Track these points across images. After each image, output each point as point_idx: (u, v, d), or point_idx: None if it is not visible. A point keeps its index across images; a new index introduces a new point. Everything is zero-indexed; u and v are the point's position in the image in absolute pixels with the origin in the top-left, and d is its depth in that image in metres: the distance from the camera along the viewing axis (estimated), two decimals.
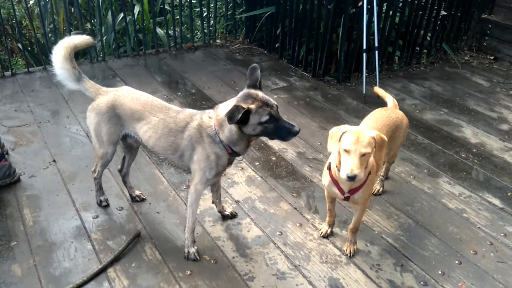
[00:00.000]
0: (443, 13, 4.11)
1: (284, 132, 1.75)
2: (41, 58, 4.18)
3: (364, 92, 3.52)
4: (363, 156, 1.66)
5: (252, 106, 1.69)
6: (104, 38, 4.38)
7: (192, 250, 2.00)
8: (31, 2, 5.14)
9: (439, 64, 4.32)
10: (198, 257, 2.00)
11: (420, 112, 3.41)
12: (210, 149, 1.83)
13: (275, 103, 1.77)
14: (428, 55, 4.33)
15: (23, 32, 5.39)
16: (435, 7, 4.02)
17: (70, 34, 4.15)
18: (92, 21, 4.65)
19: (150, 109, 1.94)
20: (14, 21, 4.83)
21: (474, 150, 2.94)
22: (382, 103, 3.43)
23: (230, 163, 1.94)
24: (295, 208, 2.33)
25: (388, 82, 3.89)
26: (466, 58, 4.48)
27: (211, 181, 1.97)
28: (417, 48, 4.19)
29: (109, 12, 4.20)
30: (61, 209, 2.25)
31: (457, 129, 3.19)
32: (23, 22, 5.55)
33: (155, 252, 2.02)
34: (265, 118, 1.70)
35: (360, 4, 3.37)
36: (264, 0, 4.20)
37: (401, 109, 3.34)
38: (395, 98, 3.53)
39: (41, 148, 2.72)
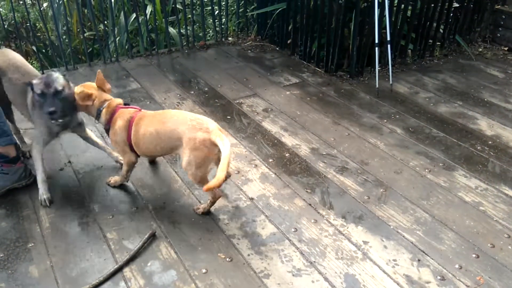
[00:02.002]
0: (456, 5, 4.05)
1: (46, 108, 2.17)
2: (56, 60, 4.25)
3: (377, 86, 3.50)
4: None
5: (35, 81, 2.20)
6: (117, 38, 4.43)
7: (44, 196, 2.31)
8: (44, 5, 5.22)
9: (452, 57, 4.26)
10: (49, 203, 2.31)
11: (434, 105, 3.38)
12: (39, 116, 2.29)
13: (58, 88, 2.20)
14: (441, 47, 4.27)
15: (37, 34, 5.47)
16: None
17: (83, 36, 4.24)
18: (105, 22, 4.70)
19: (13, 68, 2.38)
20: (28, 24, 4.91)
21: (490, 142, 2.91)
22: (396, 98, 3.45)
23: (60, 128, 2.37)
24: (310, 205, 2.34)
25: (402, 75, 3.86)
26: (480, 49, 4.41)
27: (47, 141, 2.38)
28: (430, 41, 4.13)
29: (122, 13, 4.25)
30: (77, 209, 2.27)
31: (472, 121, 3.16)
32: (37, 25, 5.63)
33: (170, 251, 2.03)
34: (38, 92, 2.18)
35: None
36: None
37: (415, 102, 3.43)
38: (409, 91, 3.59)
39: (57, 149, 2.76)
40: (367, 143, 2.89)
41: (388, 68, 3.57)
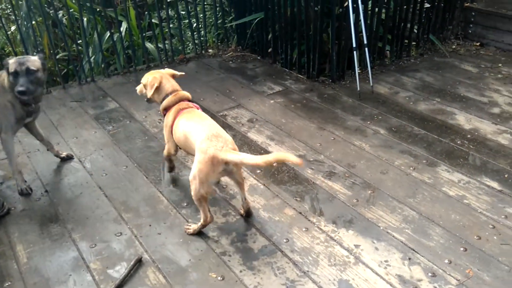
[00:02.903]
0: (427, 5, 4.18)
1: (17, 87, 2.26)
2: None
3: (358, 89, 3.57)
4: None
5: (10, 61, 2.30)
6: (93, 58, 4.33)
7: (24, 186, 2.50)
8: (12, 28, 5.07)
9: (428, 55, 4.38)
10: (30, 191, 2.51)
11: (414, 104, 3.48)
12: (4, 98, 2.34)
13: (32, 68, 2.30)
14: (417, 47, 4.39)
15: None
16: (419, 0, 4.08)
17: (55, 58, 4.09)
18: (79, 41, 4.61)
19: None
20: None
21: (469, 136, 3.00)
22: (377, 99, 3.53)
23: (29, 113, 2.45)
24: (300, 213, 2.35)
25: (381, 76, 3.95)
26: (454, 46, 4.55)
27: (16, 128, 2.46)
28: (406, 41, 4.25)
29: (95, 31, 4.12)
30: (57, 241, 2.18)
31: (450, 117, 3.25)
32: (5, 49, 5.40)
33: (159, 275, 1.97)
34: (11, 71, 2.28)
35: (346, 4, 3.43)
36: (253, 6, 4.22)
37: (396, 102, 3.55)
38: (389, 91, 3.69)
39: (32, 179, 2.65)
40: (353, 146, 2.95)
41: (368, 71, 3.65)
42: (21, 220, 2.34)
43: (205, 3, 4.62)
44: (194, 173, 2.04)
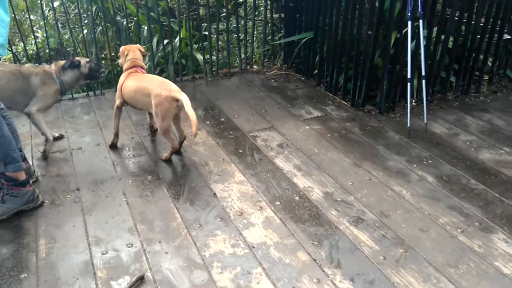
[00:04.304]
0: (507, 36, 3.61)
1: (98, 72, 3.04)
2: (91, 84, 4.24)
3: (408, 125, 3.14)
4: None
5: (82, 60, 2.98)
6: (148, 64, 4.47)
7: (48, 153, 2.94)
8: (85, 32, 5.42)
9: (502, 94, 3.79)
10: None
11: (475, 151, 2.96)
12: (53, 87, 2.88)
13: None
14: (489, 83, 3.82)
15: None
16: (497, 29, 3.54)
17: (111, 62, 4.27)
18: None
19: None
20: (63, 50, 5.06)
21: None
22: (430, 139, 3.07)
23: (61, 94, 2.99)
24: (314, 260, 2.05)
25: (440, 113, 3.46)
26: None
27: (48, 109, 2.99)
28: (476, 74, 3.70)
29: (154, 39, 4.31)
30: (74, 241, 2.21)
31: None
32: (78, 50, 5.81)
33: None
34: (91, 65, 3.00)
35: (405, 30, 3.03)
36: (303, 24, 4.02)
37: (453, 145, 3.05)
38: (447, 132, 3.20)
39: (69, 175, 2.73)
40: (391, 191, 2.54)
41: (423, 105, 3.19)
42: (50, 214, 2.41)
43: (256, 19, 4.50)
44: (157, 112, 2.68)
